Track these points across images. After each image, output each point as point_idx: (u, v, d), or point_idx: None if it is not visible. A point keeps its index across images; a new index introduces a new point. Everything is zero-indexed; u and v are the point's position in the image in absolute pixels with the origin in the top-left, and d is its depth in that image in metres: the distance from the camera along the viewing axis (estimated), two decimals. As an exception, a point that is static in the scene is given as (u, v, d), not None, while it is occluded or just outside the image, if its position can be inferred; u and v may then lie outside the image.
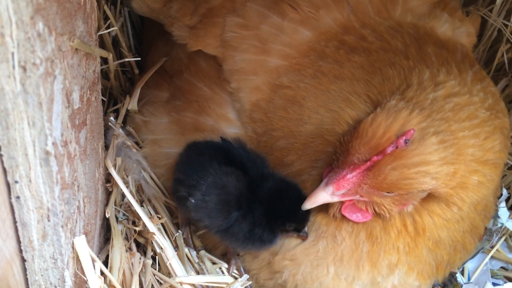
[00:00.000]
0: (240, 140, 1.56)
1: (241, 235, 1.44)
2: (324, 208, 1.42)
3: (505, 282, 1.71)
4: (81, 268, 1.24)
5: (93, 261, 1.25)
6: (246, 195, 1.44)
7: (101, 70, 1.71)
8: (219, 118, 1.62)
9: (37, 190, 1.05)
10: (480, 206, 1.46)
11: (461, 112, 1.33)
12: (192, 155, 1.55)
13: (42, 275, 1.19)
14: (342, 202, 1.37)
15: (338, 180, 1.28)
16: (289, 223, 1.44)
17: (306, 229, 1.45)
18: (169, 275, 1.48)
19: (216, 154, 1.51)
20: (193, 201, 1.40)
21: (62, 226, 1.13)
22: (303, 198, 1.36)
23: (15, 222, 1.10)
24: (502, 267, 1.87)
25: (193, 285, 1.43)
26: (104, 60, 1.83)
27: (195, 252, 1.65)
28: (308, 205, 1.34)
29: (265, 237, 1.45)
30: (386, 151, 1.22)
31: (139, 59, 1.88)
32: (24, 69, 0.90)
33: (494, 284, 1.66)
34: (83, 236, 1.23)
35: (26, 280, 1.20)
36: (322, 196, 1.31)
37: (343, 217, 1.41)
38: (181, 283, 1.40)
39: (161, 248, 1.48)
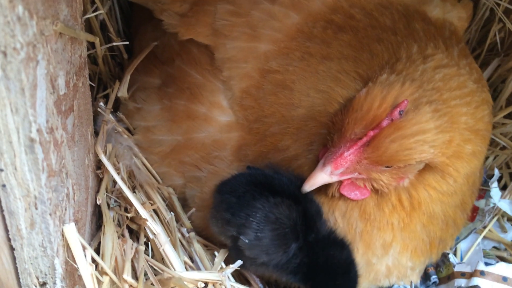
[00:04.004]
0: (272, 165, 1.47)
1: (300, 269, 1.38)
2: (318, 189, 1.40)
3: (497, 262, 1.72)
4: (72, 255, 1.23)
5: (84, 248, 1.24)
6: (301, 225, 1.37)
7: (90, 55, 1.69)
8: (212, 105, 1.60)
9: (23, 178, 1.03)
10: (471, 179, 1.48)
11: (451, 82, 1.34)
12: (229, 193, 1.44)
13: (32, 263, 1.18)
14: (340, 182, 1.36)
15: (336, 158, 1.26)
16: None
17: None
18: (162, 261, 1.47)
19: (257, 186, 1.42)
20: (246, 240, 1.34)
21: (50, 214, 1.11)
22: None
23: (2, 210, 1.09)
24: (494, 247, 1.89)
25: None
26: (92, 45, 1.80)
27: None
28: (308, 187, 1.33)
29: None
30: (382, 125, 1.22)
31: (127, 43, 1.85)
32: (4, 54, 0.88)
33: (486, 263, 1.66)
34: (72, 224, 1.22)
35: (16, 268, 1.19)
36: (321, 177, 1.30)
37: (341, 196, 1.40)
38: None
39: (154, 234, 1.47)
